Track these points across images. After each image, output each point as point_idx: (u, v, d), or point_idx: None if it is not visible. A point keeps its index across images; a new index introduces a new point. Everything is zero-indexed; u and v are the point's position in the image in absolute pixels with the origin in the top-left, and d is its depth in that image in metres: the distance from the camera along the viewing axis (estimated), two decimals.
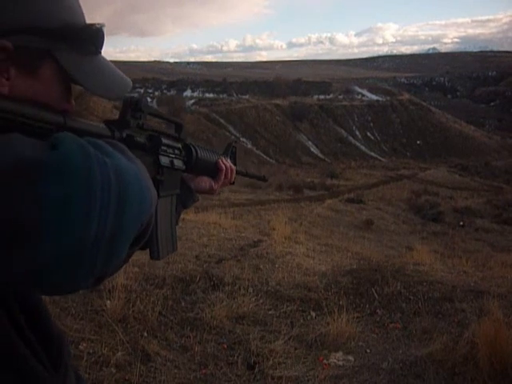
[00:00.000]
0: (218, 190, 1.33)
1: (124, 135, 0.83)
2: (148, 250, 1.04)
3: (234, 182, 1.41)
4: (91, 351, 3.43)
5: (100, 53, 0.82)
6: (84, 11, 0.81)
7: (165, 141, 1.00)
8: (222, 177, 1.31)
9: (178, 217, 1.18)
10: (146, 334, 3.88)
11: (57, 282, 0.60)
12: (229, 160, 1.39)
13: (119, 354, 3.46)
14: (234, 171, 1.38)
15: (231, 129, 68.22)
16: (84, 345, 3.49)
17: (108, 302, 4.12)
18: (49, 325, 0.81)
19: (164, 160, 1.00)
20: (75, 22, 0.76)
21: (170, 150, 1.04)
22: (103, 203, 0.58)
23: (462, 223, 22.10)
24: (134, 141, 0.85)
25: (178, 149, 1.10)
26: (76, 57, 0.76)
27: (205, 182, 1.29)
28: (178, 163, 1.08)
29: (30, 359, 0.71)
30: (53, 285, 0.60)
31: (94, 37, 0.79)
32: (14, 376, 0.68)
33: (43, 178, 0.55)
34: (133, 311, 4.09)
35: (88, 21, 0.80)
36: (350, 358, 3.98)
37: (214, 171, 1.30)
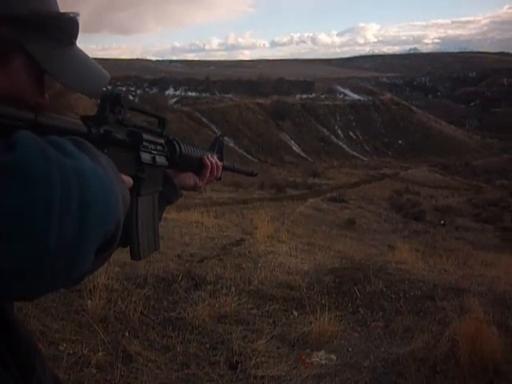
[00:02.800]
0: (203, 186, 1.29)
1: (101, 131, 0.79)
2: (129, 251, 1.01)
3: (220, 178, 1.37)
4: (71, 352, 3.39)
5: (74, 43, 0.77)
6: (64, 8, 0.75)
7: (146, 136, 0.96)
8: (207, 173, 1.27)
9: (161, 213, 1.15)
10: (127, 334, 3.84)
11: (19, 292, 0.57)
12: (215, 156, 1.35)
13: (100, 354, 3.42)
14: (220, 167, 1.34)
15: (214, 127, 68.09)
16: (64, 345, 3.45)
17: (89, 301, 4.07)
18: (19, 335, 0.76)
19: (145, 157, 0.96)
20: (47, 10, 0.71)
21: (152, 146, 1.00)
22: (63, 209, 0.54)
23: (442, 222, 22.35)
24: (112, 137, 0.81)
25: (161, 144, 1.06)
26: (48, 48, 0.71)
27: (189, 178, 1.25)
28: (160, 160, 1.04)
29: (0, 371, 0.67)
30: (16, 294, 0.57)
31: (67, 26, 0.74)
32: None
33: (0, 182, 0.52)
34: (114, 311, 4.05)
35: None
36: (333, 356, 3.99)
37: (199, 167, 1.26)
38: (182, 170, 1.23)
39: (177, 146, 1.16)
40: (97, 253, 0.62)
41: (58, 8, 0.75)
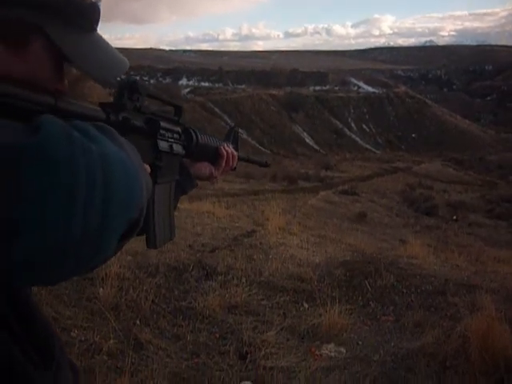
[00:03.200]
0: (218, 176, 1.28)
1: (120, 118, 0.79)
2: (144, 238, 1.01)
3: (235, 168, 1.36)
4: (83, 338, 3.42)
5: (95, 30, 0.76)
6: None
7: (164, 124, 0.95)
8: (223, 163, 1.25)
9: (176, 203, 1.15)
10: (138, 322, 3.87)
11: (43, 275, 0.56)
12: (230, 146, 1.33)
13: (111, 341, 3.46)
14: (236, 157, 1.32)
15: (226, 118, 68.04)
16: (76, 332, 3.48)
17: (101, 289, 4.11)
18: (40, 324, 0.77)
19: (162, 145, 0.95)
20: None
21: (169, 134, 1.00)
22: (88, 194, 0.54)
23: (455, 217, 22.18)
24: (130, 124, 0.81)
25: (178, 133, 1.05)
26: (69, 33, 0.70)
27: (205, 167, 1.23)
28: (177, 148, 1.03)
29: (19, 357, 0.67)
30: (39, 277, 0.57)
31: (87, 12, 0.73)
32: (2, 374, 0.65)
33: (22, 166, 0.51)
34: (125, 299, 4.08)
35: None
36: (342, 349, 3.99)
37: (214, 157, 1.25)
38: (198, 160, 1.22)
39: (193, 134, 1.15)
40: (119, 239, 0.62)
41: None
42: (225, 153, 1.25)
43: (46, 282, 0.59)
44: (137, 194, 0.61)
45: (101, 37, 0.78)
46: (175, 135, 1.03)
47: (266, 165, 1.70)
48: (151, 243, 1.01)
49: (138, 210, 0.62)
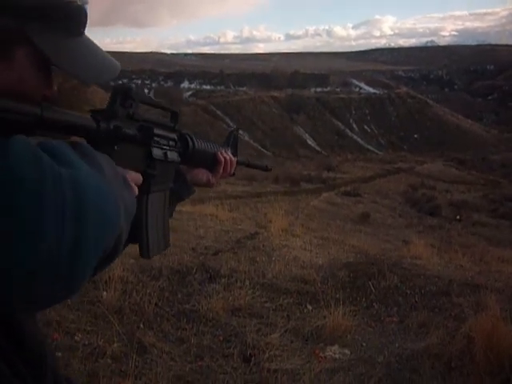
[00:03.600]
0: (216, 183, 1.25)
1: (111, 126, 0.77)
2: (138, 248, 0.99)
3: (234, 174, 1.33)
4: (87, 342, 3.42)
5: (83, 33, 0.74)
6: (78, 1, 0.72)
7: (158, 131, 0.93)
8: (221, 170, 1.23)
9: (172, 210, 1.12)
10: (142, 325, 3.87)
11: (12, 298, 0.54)
12: (229, 151, 1.30)
13: (115, 345, 3.45)
14: (234, 163, 1.29)
15: (228, 121, 68.13)
16: (80, 336, 3.48)
17: (104, 293, 4.10)
18: (31, 339, 0.74)
19: (157, 152, 0.93)
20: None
21: (164, 141, 0.97)
22: (57, 221, 0.52)
23: (458, 217, 22.16)
24: (121, 132, 0.78)
25: (173, 140, 1.03)
26: (55, 38, 0.68)
27: (202, 174, 1.21)
28: (172, 155, 1.00)
29: (8, 376, 0.65)
30: (9, 301, 0.55)
31: (74, 15, 0.71)
32: None
33: None
34: (129, 302, 4.08)
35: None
36: (346, 351, 3.98)
37: (212, 163, 1.22)
38: (195, 166, 1.19)
39: (190, 141, 1.12)
40: (99, 260, 0.60)
41: None
42: (222, 159, 1.22)
43: (16, 306, 0.57)
44: (112, 219, 0.59)
45: (90, 40, 0.76)
46: (170, 142, 1.01)
47: (266, 169, 1.67)
48: (144, 253, 0.99)
49: (114, 235, 0.60)
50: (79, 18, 0.72)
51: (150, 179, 0.93)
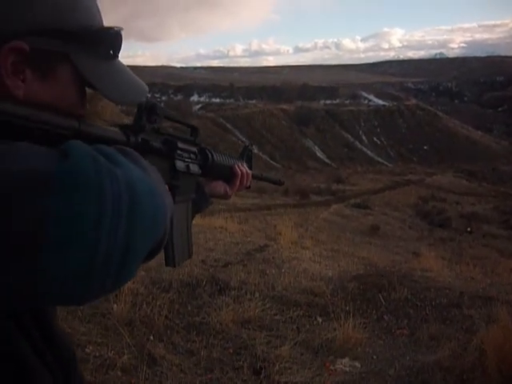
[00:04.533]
0: (232, 194, 1.30)
1: (139, 140, 0.81)
2: (163, 256, 1.02)
3: (249, 186, 1.37)
4: (97, 354, 3.43)
5: (117, 57, 0.80)
6: (115, 27, 0.78)
7: (181, 145, 0.97)
8: (238, 182, 1.27)
9: (191, 220, 1.15)
10: (152, 337, 3.87)
11: (65, 295, 0.57)
12: (245, 164, 1.34)
13: (125, 357, 3.46)
14: (250, 176, 1.34)
15: (238, 133, 68.37)
16: (90, 348, 3.49)
17: (115, 305, 4.12)
18: (60, 337, 0.78)
19: (180, 165, 0.97)
20: (93, 25, 0.74)
21: (186, 155, 1.01)
22: (113, 218, 0.55)
23: (469, 229, 22.01)
24: (149, 145, 0.83)
25: (194, 153, 1.07)
26: (93, 60, 0.74)
27: (220, 186, 1.25)
28: (193, 168, 1.05)
29: (43, 372, 0.69)
30: (62, 297, 0.58)
31: (111, 40, 0.77)
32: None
33: (53, 191, 0.53)
34: (139, 315, 4.09)
35: None
36: (357, 364, 3.96)
37: (229, 176, 1.26)
38: (213, 179, 1.23)
39: (209, 154, 1.16)
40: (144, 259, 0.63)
41: (102, 22, 0.78)
42: (239, 172, 1.27)
43: (68, 302, 0.61)
44: (162, 216, 0.63)
45: (121, 63, 0.81)
46: (192, 155, 1.05)
47: (279, 183, 1.70)
48: (170, 262, 1.02)
49: (162, 230, 0.64)
50: (115, 43, 0.77)
51: (175, 190, 0.96)
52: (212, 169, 1.17)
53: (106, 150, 0.61)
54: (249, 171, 1.33)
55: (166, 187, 0.82)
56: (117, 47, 0.78)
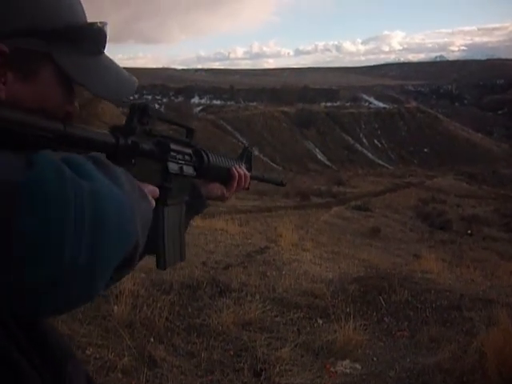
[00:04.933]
0: (230, 196, 1.28)
1: (129, 142, 0.80)
2: (155, 260, 1.01)
3: (248, 188, 1.36)
4: (98, 356, 3.43)
5: (103, 52, 0.79)
6: (91, 18, 0.78)
7: (174, 147, 0.96)
8: (235, 184, 1.25)
9: (187, 223, 1.15)
10: (152, 339, 3.88)
11: (34, 306, 0.57)
12: (243, 166, 1.33)
13: (126, 359, 3.46)
14: (248, 178, 1.32)
15: (238, 136, 68.38)
16: (91, 350, 3.49)
17: (115, 307, 4.12)
18: (49, 337, 0.77)
19: (173, 166, 0.96)
20: (75, 22, 0.73)
21: (180, 156, 1.00)
22: (77, 231, 0.55)
23: (469, 232, 21.99)
24: (139, 148, 0.82)
25: (189, 154, 1.06)
26: (77, 57, 0.73)
27: (217, 188, 1.24)
28: (187, 170, 1.04)
29: (28, 371, 0.67)
30: (31, 308, 0.58)
31: (95, 36, 0.76)
32: None
33: (16, 202, 0.52)
34: (140, 317, 4.09)
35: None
36: (357, 365, 3.96)
37: (226, 178, 1.25)
38: (210, 180, 1.22)
39: (205, 156, 1.14)
40: (116, 270, 0.62)
41: (85, 18, 0.77)
42: (236, 174, 1.25)
43: (37, 313, 0.60)
44: (129, 230, 0.62)
45: (109, 58, 0.80)
46: (186, 157, 1.04)
47: (281, 184, 1.69)
48: (161, 264, 1.01)
49: (130, 243, 0.63)
50: (99, 39, 0.77)
51: (167, 192, 0.95)
52: (208, 171, 1.15)
53: (75, 160, 0.60)
54: (247, 173, 1.32)
55: (152, 189, 0.82)
56: (101, 42, 0.78)
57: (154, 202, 0.81)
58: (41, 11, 0.68)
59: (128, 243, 0.62)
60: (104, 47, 0.79)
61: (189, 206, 1.11)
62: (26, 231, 0.53)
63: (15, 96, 0.67)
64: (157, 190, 0.86)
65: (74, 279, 0.56)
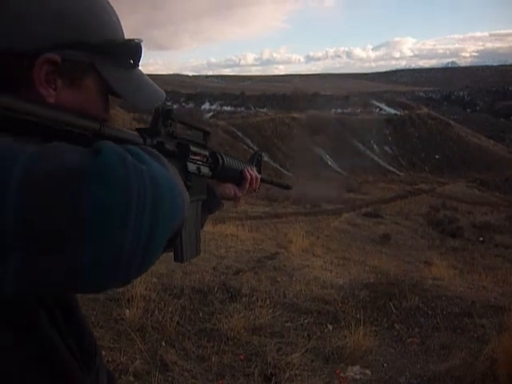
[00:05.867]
0: (241, 197, 1.36)
1: (155, 142, 0.87)
2: (169, 260, 1.07)
3: (258, 190, 1.44)
4: (110, 359, 3.46)
5: (138, 66, 0.86)
6: (136, 39, 0.85)
7: (193, 148, 1.03)
8: (247, 185, 1.33)
9: (203, 221, 1.23)
10: (163, 343, 3.90)
11: (94, 282, 0.63)
12: (254, 169, 1.41)
13: (137, 362, 3.49)
14: (259, 180, 1.40)
15: (248, 142, 68.42)
16: (103, 353, 3.52)
17: (127, 311, 4.16)
18: (83, 326, 0.84)
19: (191, 167, 1.04)
20: (116, 38, 0.82)
21: (198, 158, 1.08)
22: (139, 210, 0.61)
23: (481, 239, 21.82)
24: (163, 148, 0.88)
25: (205, 156, 1.13)
26: (116, 70, 0.81)
27: (229, 189, 1.32)
28: (204, 170, 1.11)
29: (67, 357, 0.74)
30: (90, 284, 0.63)
31: (132, 51, 0.84)
32: (51, 371, 0.71)
33: (87, 186, 0.59)
34: (151, 321, 4.12)
35: None
36: (367, 371, 3.96)
37: (239, 179, 1.33)
38: (224, 181, 1.30)
39: (220, 158, 1.22)
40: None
41: (123, 34, 0.85)
42: (249, 176, 1.33)
43: (95, 288, 0.66)
44: (180, 209, 0.69)
45: (141, 71, 0.88)
46: (203, 158, 1.12)
47: (287, 187, 1.78)
48: (179, 258, 1.08)
49: (180, 220, 0.70)
50: (136, 53, 0.85)
51: (187, 190, 1.01)
52: (222, 172, 1.23)
53: (133, 148, 0.67)
54: (258, 175, 1.40)
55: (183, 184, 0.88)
56: (137, 57, 0.85)
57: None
58: (88, 27, 0.77)
59: (178, 222, 0.69)
60: (139, 61, 0.86)
61: (203, 205, 1.18)
62: (96, 210, 0.59)
63: (62, 101, 0.75)
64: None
65: (134, 254, 0.62)
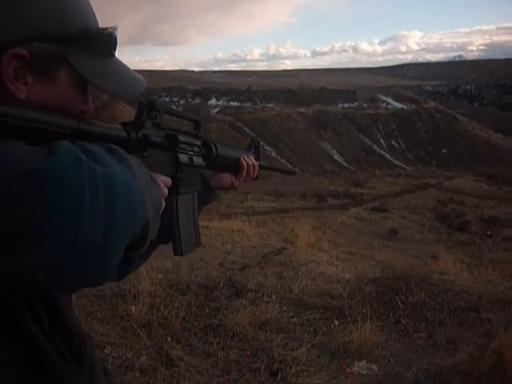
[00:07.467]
0: (239, 186, 1.34)
1: (140, 135, 0.85)
2: (172, 247, 1.07)
3: (257, 178, 1.40)
4: (116, 355, 3.48)
5: (114, 55, 0.85)
6: (109, 21, 0.84)
7: (182, 138, 1.01)
8: (244, 173, 1.31)
9: (199, 213, 1.20)
10: (169, 339, 3.91)
11: (57, 281, 0.62)
12: (252, 156, 1.38)
13: (143, 358, 3.50)
14: (257, 168, 1.37)
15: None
16: (109, 349, 3.54)
17: (133, 307, 4.17)
18: (71, 324, 0.83)
19: (182, 157, 1.01)
20: (88, 27, 0.80)
21: (189, 148, 1.06)
22: (92, 211, 0.60)
23: (489, 233, 21.75)
24: (150, 140, 0.86)
25: (198, 146, 1.11)
26: (90, 60, 0.79)
27: (226, 178, 1.29)
28: (197, 160, 1.09)
29: (54, 355, 0.74)
30: (55, 284, 0.63)
31: (106, 40, 0.82)
32: (35, 369, 0.71)
33: (39, 186, 0.57)
34: (157, 316, 4.13)
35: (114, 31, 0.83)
36: (374, 366, 3.96)
37: (235, 168, 1.30)
38: (220, 171, 1.28)
39: (213, 146, 1.20)
40: (129, 250, 0.67)
41: (97, 23, 0.83)
42: (245, 164, 1.31)
43: (61, 288, 0.66)
44: (139, 209, 0.66)
45: (119, 60, 0.86)
46: (195, 148, 1.09)
47: (292, 173, 1.72)
48: (178, 251, 1.07)
49: (140, 224, 0.67)
50: (110, 43, 0.83)
51: (178, 182, 1.02)
52: (217, 161, 1.21)
53: (91, 149, 0.65)
54: (255, 162, 1.36)
55: (163, 179, 0.87)
56: (112, 46, 0.83)
57: (166, 190, 0.87)
58: (55, 18, 0.75)
59: (137, 221, 0.67)
60: (115, 50, 0.85)
61: (199, 196, 1.17)
62: (47, 211, 0.57)
63: (35, 96, 0.73)
64: (169, 180, 0.92)
65: (90, 255, 0.61)
